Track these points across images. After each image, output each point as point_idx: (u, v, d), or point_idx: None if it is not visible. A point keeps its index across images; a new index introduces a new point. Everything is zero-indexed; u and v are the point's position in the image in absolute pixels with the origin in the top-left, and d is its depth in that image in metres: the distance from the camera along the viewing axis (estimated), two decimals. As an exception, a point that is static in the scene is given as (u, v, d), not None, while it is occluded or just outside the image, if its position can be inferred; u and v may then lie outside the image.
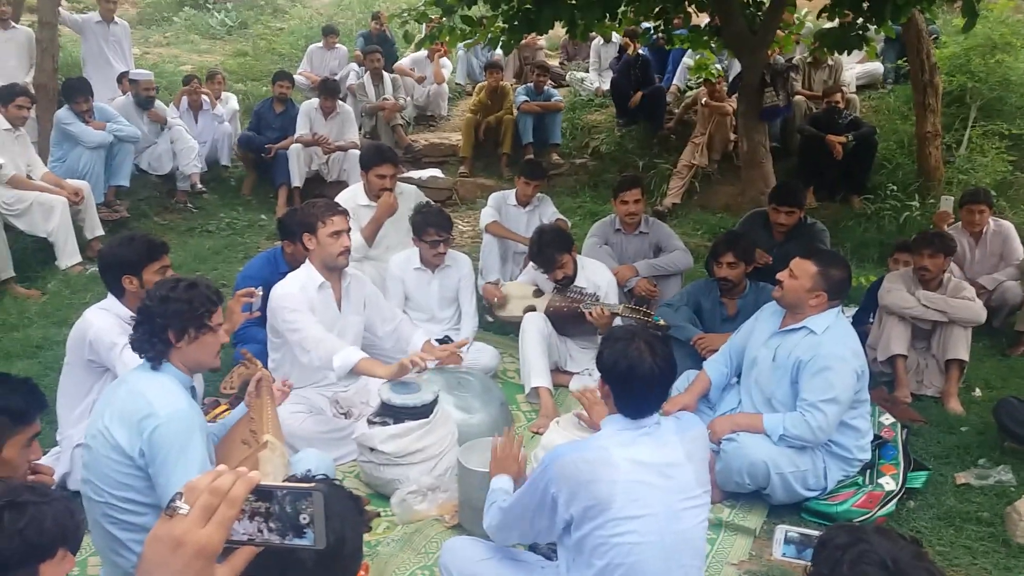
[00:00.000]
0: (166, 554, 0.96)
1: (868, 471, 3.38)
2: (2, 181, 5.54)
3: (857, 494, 3.24)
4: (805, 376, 3.18)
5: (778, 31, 6.20)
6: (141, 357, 2.52)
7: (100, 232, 6.05)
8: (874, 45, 6.31)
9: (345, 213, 3.74)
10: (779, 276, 3.38)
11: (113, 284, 3.23)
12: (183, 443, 2.34)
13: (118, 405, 2.44)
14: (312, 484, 1.04)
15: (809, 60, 7.98)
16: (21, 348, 4.53)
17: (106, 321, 3.16)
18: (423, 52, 9.16)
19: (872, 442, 3.44)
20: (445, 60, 9.51)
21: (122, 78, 7.64)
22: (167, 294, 2.50)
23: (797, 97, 7.50)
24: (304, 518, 1.01)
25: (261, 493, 1.01)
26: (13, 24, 7.64)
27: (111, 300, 3.26)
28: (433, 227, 4.36)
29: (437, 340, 4.38)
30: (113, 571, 2.56)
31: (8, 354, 4.44)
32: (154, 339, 2.48)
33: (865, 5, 5.26)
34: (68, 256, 5.72)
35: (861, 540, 1.48)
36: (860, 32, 5.64)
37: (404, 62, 9.35)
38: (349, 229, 3.73)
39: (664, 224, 5.36)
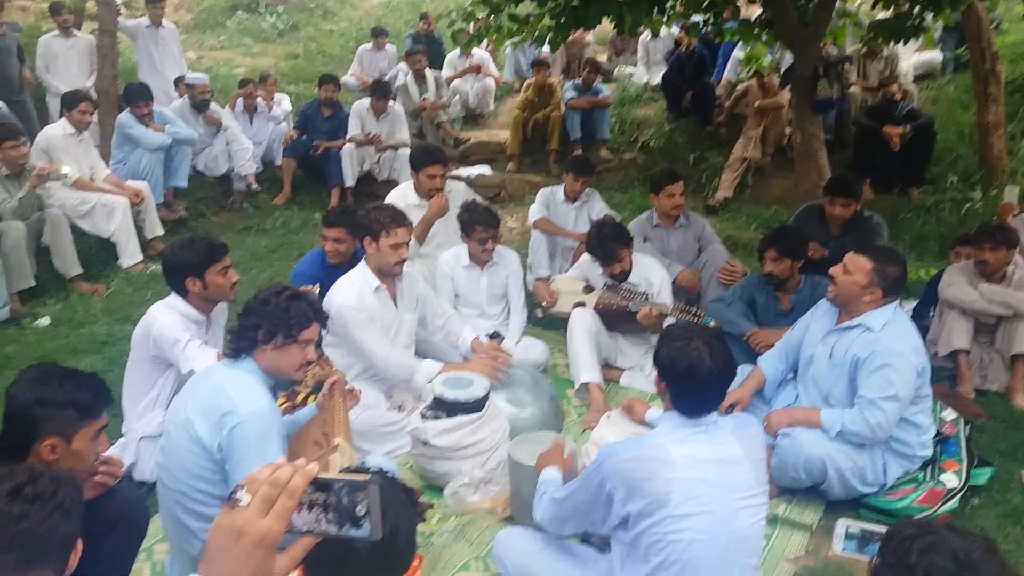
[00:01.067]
0: (228, 543, 0.99)
1: (929, 467, 3.30)
2: (67, 183, 5.74)
3: (918, 490, 3.16)
4: (863, 373, 3.11)
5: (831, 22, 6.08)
6: (229, 347, 2.62)
7: (160, 232, 6.23)
8: (931, 34, 6.14)
9: (410, 226, 3.82)
10: (832, 272, 3.31)
11: (177, 286, 3.32)
12: (261, 443, 2.41)
13: (201, 398, 2.51)
14: (368, 476, 1.06)
15: (864, 51, 7.81)
16: (87, 344, 4.69)
17: (170, 318, 3.26)
18: (456, 52, 9.26)
19: (934, 438, 3.35)
20: (483, 52, 9.48)
21: (178, 82, 7.83)
22: (270, 297, 2.62)
23: (852, 88, 7.34)
24: (361, 509, 1.03)
25: (319, 485, 1.03)
26: (75, 32, 7.89)
27: (175, 297, 3.34)
28: (480, 224, 4.39)
29: (487, 335, 4.43)
30: (180, 557, 2.64)
31: (75, 350, 4.60)
32: (242, 333, 2.59)
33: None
34: (130, 255, 5.90)
35: (931, 532, 1.46)
36: (917, 21, 5.50)
37: (446, 71, 9.33)
38: (409, 241, 3.81)
39: (699, 215, 5.36)
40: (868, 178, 6.68)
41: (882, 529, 2.89)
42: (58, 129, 5.91)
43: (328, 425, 2.91)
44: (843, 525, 3.07)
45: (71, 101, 5.96)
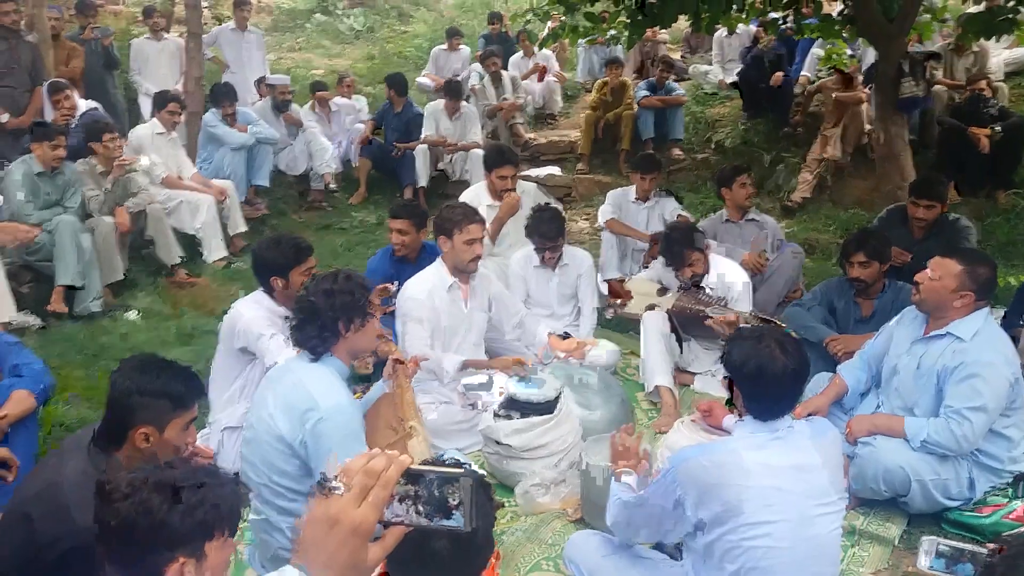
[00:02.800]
0: (323, 532, 1.01)
1: (1020, 483, 3.15)
2: (156, 181, 5.98)
3: (1008, 507, 3.04)
4: (951, 382, 3.00)
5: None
6: (308, 351, 2.62)
7: (243, 228, 6.43)
8: (1027, 28, 5.87)
9: (482, 222, 3.85)
10: (917, 277, 3.19)
11: (263, 282, 3.44)
12: (344, 437, 2.45)
13: (282, 394, 2.56)
14: (460, 469, 1.08)
15: (951, 47, 7.51)
16: (174, 336, 4.87)
17: (256, 312, 3.38)
18: (520, 53, 9.37)
19: (1025, 453, 3.21)
20: (546, 52, 9.41)
21: (259, 83, 8.05)
22: (330, 287, 2.61)
23: (937, 86, 7.07)
24: (453, 500, 1.04)
25: (411, 476, 1.05)
26: (165, 35, 8.18)
27: (261, 293, 3.46)
28: (538, 236, 4.42)
29: (559, 336, 4.43)
30: (262, 549, 2.73)
31: (163, 342, 4.76)
32: (325, 332, 2.59)
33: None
34: (215, 251, 6.11)
35: None
36: (1010, 15, 5.27)
37: (511, 71, 9.22)
38: (483, 237, 3.84)
39: (768, 216, 5.34)
40: (953, 180, 6.43)
41: (975, 548, 2.78)
42: (148, 128, 6.17)
43: (400, 409, 2.94)
44: (932, 542, 2.94)
45: (161, 101, 6.21)
